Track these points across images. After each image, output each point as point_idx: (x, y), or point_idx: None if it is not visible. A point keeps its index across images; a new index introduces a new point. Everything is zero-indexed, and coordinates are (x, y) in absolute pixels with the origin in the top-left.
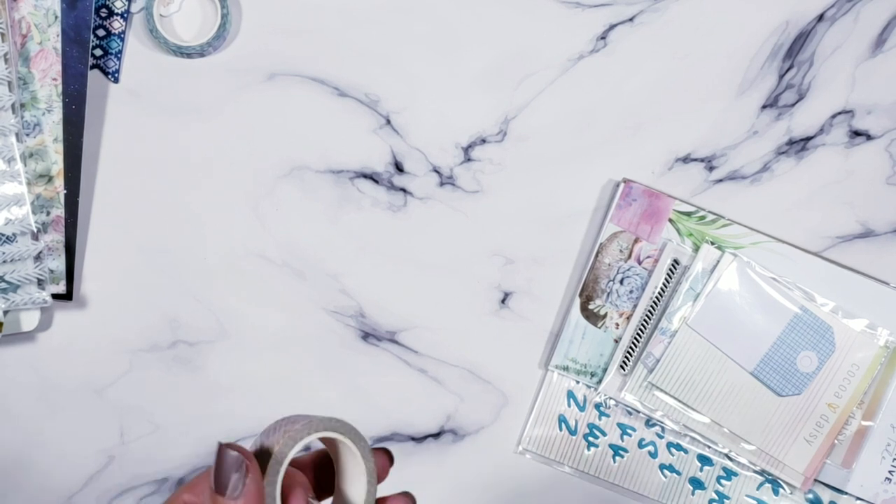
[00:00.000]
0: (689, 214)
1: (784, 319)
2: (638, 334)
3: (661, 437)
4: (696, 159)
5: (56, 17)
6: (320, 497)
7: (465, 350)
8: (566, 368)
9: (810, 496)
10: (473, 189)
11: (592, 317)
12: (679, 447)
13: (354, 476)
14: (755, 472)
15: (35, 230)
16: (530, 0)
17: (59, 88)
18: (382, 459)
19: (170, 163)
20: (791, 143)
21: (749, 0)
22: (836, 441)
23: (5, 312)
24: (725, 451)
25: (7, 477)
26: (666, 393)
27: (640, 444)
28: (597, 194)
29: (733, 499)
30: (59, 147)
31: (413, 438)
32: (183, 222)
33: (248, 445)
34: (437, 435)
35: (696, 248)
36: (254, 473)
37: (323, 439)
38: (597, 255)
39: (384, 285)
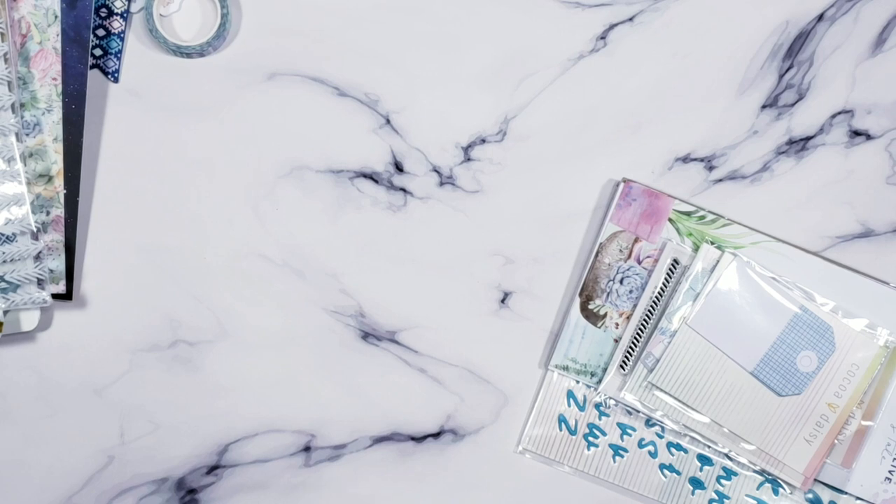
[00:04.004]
0: (688, 214)
1: (784, 319)
2: (638, 334)
3: (661, 436)
4: (695, 159)
5: (56, 17)
6: None
7: (465, 350)
8: (566, 368)
9: (810, 496)
10: (473, 189)
11: (592, 316)
12: (679, 447)
13: None
14: (755, 471)
15: (35, 230)
16: (530, 0)
17: (59, 88)
18: None
19: (170, 163)
20: (791, 142)
21: (749, 0)
22: (836, 441)
23: (5, 312)
24: (725, 450)
25: (7, 477)
26: (666, 393)
27: (640, 444)
28: (597, 194)
29: (733, 499)
30: (59, 147)
31: (413, 438)
32: (183, 222)
33: (247, 445)
34: (437, 435)
35: (696, 248)
36: None
37: None
38: (597, 255)
39: (384, 285)
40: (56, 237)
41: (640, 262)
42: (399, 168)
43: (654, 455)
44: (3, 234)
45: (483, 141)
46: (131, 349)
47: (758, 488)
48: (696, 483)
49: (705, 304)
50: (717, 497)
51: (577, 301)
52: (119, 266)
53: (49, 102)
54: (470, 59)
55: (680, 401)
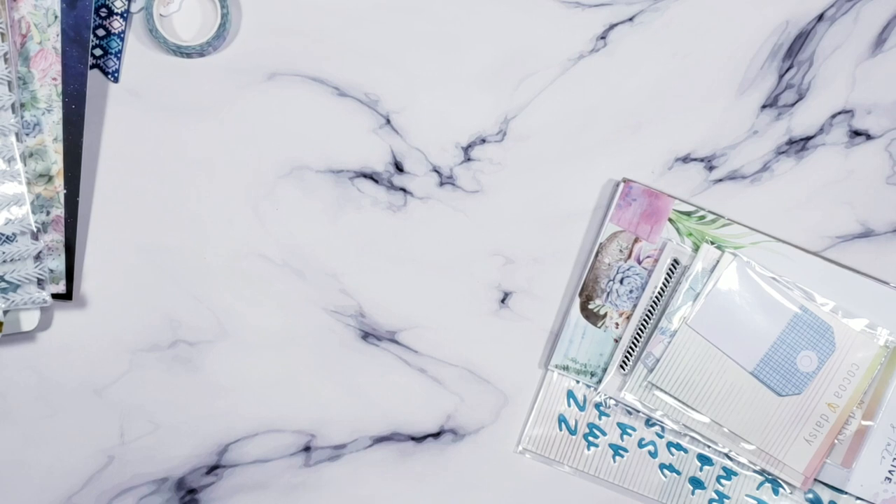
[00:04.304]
0: (688, 214)
1: (784, 319)
2: (638, 334)
3: (661, 436)
4: (695, 159)
5: (56, 17)
6: None
7: (465, 350)
8: (566, 368)
9: (810, 496)
10: (473, 189)
11: (592, 316)
12: (679, 447)
13: None
14: (755, 471)
15: (35, 230)
16: (530, 0)
17: (59, 88)
18: None
19: (170, 163)
20: (791, 142)
21: (749, 0)
22: (836, 441)
23: (5, 312)
24: (725, 450)
25: (7, 477)
26: (666, 393)
27: (640, 444)
28: (597, 194)
29: (733, 498)
30: (59, 147)
31: (413, 438)
32: (183, 222)
33: (247, 445)
34: (437, 435)
35: (696, 248)
36: None
37: None
38: (597, 255)
39: (384, 285)
40: (56, 237)
41: (640, 262)
42: (399, 168)
43: (654, 455)
44: (3, 234)
45: (483, 141)
46: (131, 349)
47: (758, 488)
48: (696, 483)
49: (705, 304)
50: (717, 497)
51: (577, 301)
52: (119, 266)
53: (49, 102)
54: (470, 59)
55: (680, 401)
